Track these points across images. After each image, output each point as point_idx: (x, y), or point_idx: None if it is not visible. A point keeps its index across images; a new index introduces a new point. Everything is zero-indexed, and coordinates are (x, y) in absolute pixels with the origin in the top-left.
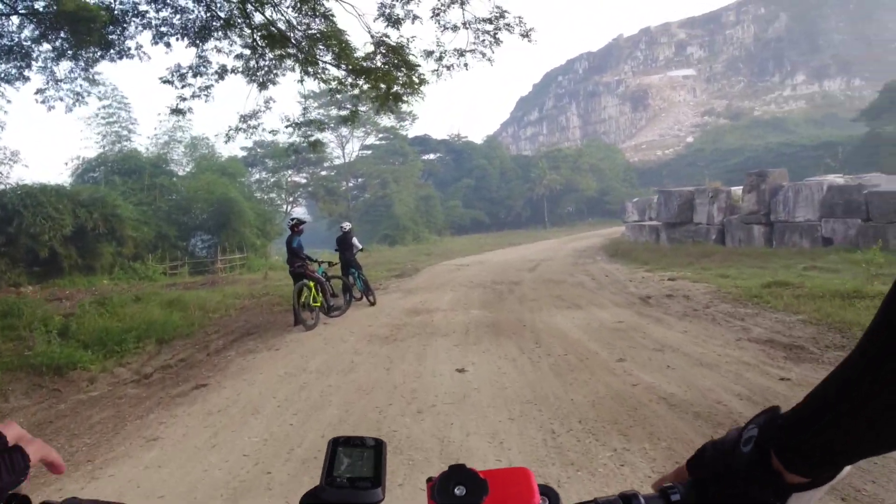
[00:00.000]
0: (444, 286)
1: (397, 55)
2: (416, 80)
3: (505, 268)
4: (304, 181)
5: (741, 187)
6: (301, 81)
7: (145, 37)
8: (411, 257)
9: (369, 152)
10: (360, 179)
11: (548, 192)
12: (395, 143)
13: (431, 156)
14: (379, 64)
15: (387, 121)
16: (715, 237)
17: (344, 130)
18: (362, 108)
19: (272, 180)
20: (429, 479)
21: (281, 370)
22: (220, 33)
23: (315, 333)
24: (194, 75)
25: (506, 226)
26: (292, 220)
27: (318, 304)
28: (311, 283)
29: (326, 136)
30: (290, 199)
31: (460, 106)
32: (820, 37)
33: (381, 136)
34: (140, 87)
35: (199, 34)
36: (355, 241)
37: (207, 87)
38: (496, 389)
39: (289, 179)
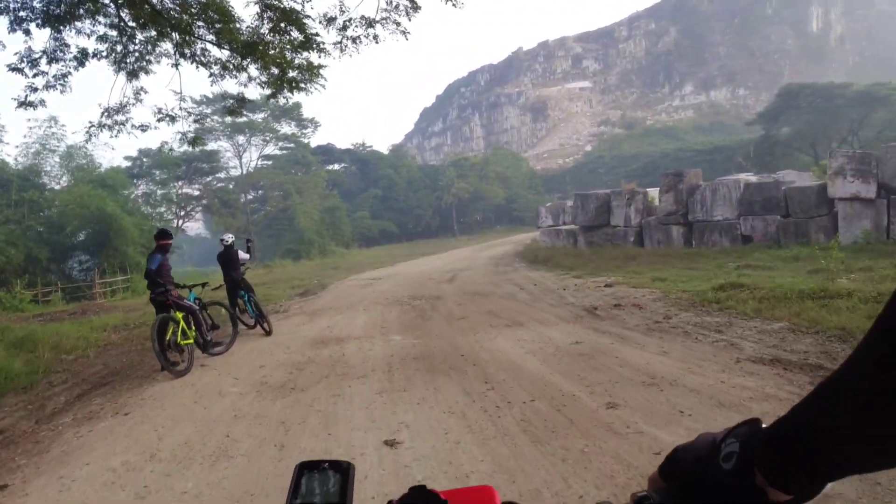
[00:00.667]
0: (356, 305)
1: (289, 20)
2: (315, 63)
3: (421, 280)
4: (197, 193)
5: (657, 189)
6: (176, 66)
7: (1, 23)
8: (317, 272)
9: (270, 163)
10: (260, 191)
11: (456, 200)
12: (297, 152)
13: (336, 166)
14: (268, 37)
15: (287, 128)
16: (633, 239)
17: (240, 138)
18: (258, 116)
19: (161, 193)
20: (389, 502)
21: (118, 457)
22: (85, 14)
23: (186, 383)
24: (49, 61)
25: (415, 236)
26: (158, 231)
27: (191, 341)
28: (179, 315)
29: (222, 145)
30: (182, 213)
31: (363, 116)
32: (706, 50)
33: (280, 144)
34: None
35: (62, 18)
36: (241, 254)
37: (64, 76)
38: (452, 480)
39: (179, 191)
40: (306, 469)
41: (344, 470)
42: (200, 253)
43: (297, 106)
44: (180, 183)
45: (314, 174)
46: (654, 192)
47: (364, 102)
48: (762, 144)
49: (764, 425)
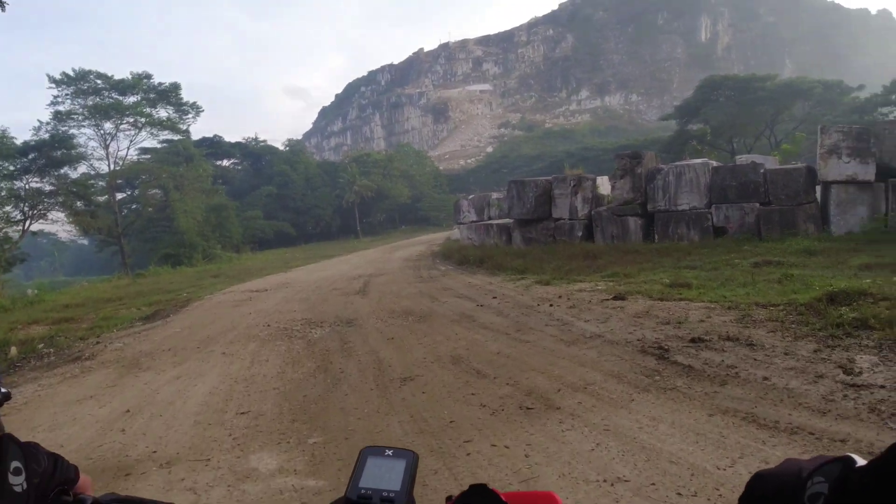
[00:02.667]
0: (214, 341)
1: None
2: None
3: (323, 292)
4: (50, 188)
5: (604, 178)
6: None
7: None
8: (193, 282)
9: (148, 156)
10: (136, 190)
11: (359, 199)
12: (177, 144)
13: (225, 162)
14: None
15: (163, 111)
16: (582, 234)
17: (107, 125)
18: (130, 99)
19: (3, 188)
20: (448, 498)
21: None
22: None
23: None
24: None
25: (315, 237)
26: None
27: None
28: None
29: (85, 132)
30: (33, 212)
31: (256, 112)
32: (601, 57)
33: (157, 134)
34: None
35: None
36: None
37: None
38: None
39: (27, 186)
40: (370, 454)
41: (408, 458)
42: (73, 261)
43: (176, 87)
44: (28, 176)
45: (197, 168)
46: (604, 181)
47: (258, 97)
48: (676, 140)
49: (859, 464)
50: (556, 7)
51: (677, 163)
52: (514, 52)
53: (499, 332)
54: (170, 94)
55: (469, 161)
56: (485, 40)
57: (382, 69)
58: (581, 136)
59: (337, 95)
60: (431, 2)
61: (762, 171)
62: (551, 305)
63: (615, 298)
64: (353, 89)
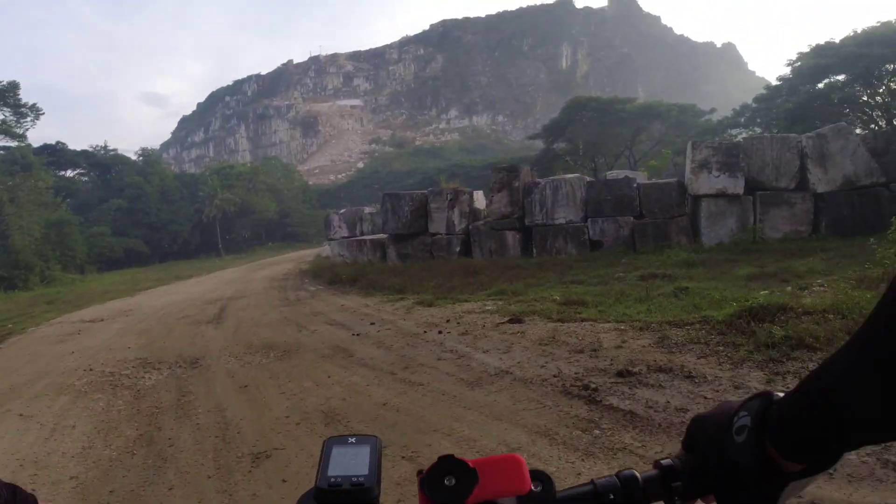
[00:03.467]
0: (21, 390)
1: None
2: None
3: (169, 321)
4: None
5: (481, 191)
6: None
7: None
8: (23, 309)
9: None
10: None
11: (220, 214)
12: (14, 152)
13: (69, 172)
14: None
15: None
16: (460, 249)
17: None
18: None
19: None
20: (419, 472)
21: None
22: None
23: None
24: None
25: (171, 256)
26: None
27: None
28: None
29: None
30: None
31: (109, 120)
32: (470, 78)
33: None
34: None
35: None
36: None
37: None
38: None
39: None
40: (335, 444)
41: (371, 443)
42: None
43: (14, 87)
44: None
45: (34, 178)
46: (477, 195)
47: (113, 104)
48: (543, 158)
49: (777, 397)
50: (426, 28)
51: (553, 177)
52: (386, 69)
53: (382, 372)
54: (6, 93)
55: (340, 176)
56: (356, 56)
57: (249, 79)
58: (450, 154)
59: (199, 104)
60: (300, 13)
61: (635, 185)
62: (440, 332)
63: (511, 321)
64: (216, 98)
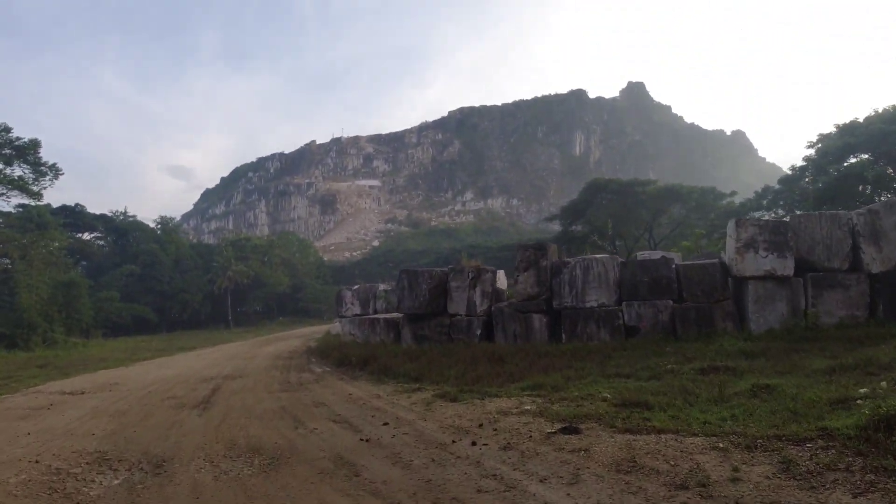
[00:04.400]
0: None
1: None
2: None
3: (151, 401)
4: None
5: (502, 271)
6: None
7: None
8: (11, 372)
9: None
10: None
11: (233, 285)
12: (31, 210)
13: (86, 235)
14: None
15: (18, 171)
16: (481, 332)
17: None
18: None
19: None
20: None
21: None
22: None
23: None
24: None
25: (180, 325)
26: None
27: None
28: None
29: None
30: None
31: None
32: (485, 162)
33: (4, 194)
34: None
35: None
36: None
37: None
38: None
39: None
40: None
41: None
42: None
43: (35, 144)
44: None
45: (48, 238)
46: (500, 274)
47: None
48: (560, 239)
49: None
50: (445, 114)
51: (584, 256)
52: (404, 152)
53: None
54: (27, 150)
55: (355, 254)
56: (376, 138)
57: (272, 156)
58: (465, 235)
59: (223, 178)
60: (325, 98)
61: (674, 265)
62: (474, 444)
63: (564, 431)
64: (240, 174)
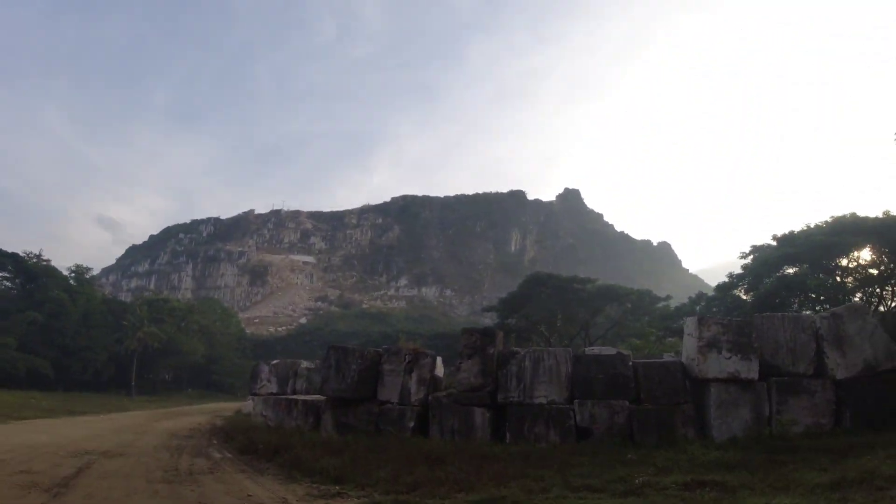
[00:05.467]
0: None
1: None
2: None
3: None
4: None
5: (440, 358)
6: None
7: None
8: None
9: None
10: None
11: (142, 348)
12: None
13: None
14: None
15: None
16: (414, 424)
17: None
18: None
19: None
20: None
21: None
22: None
23: None
24: None
25: (79, 386)
26: None
27: None
28: None
29: None
30: None
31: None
32: (423, 251)
33: None
34: None
35: None
36: None
37: None
38: None
39: None
40: None
41: None
42: None
43: None
44: None
45: None
46: (438, 361)
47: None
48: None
49: None
50: (388, 199)
51: (533, 347)
52: (343, 232)
53: None
54: None
55: (280, 329)
56: (317, 215)
57: (207, 220)
58: (396, 321)
59: (151, 236)
60: (268, 170)
61: (631, 363)
62: None
63: None
64: (170, 233)
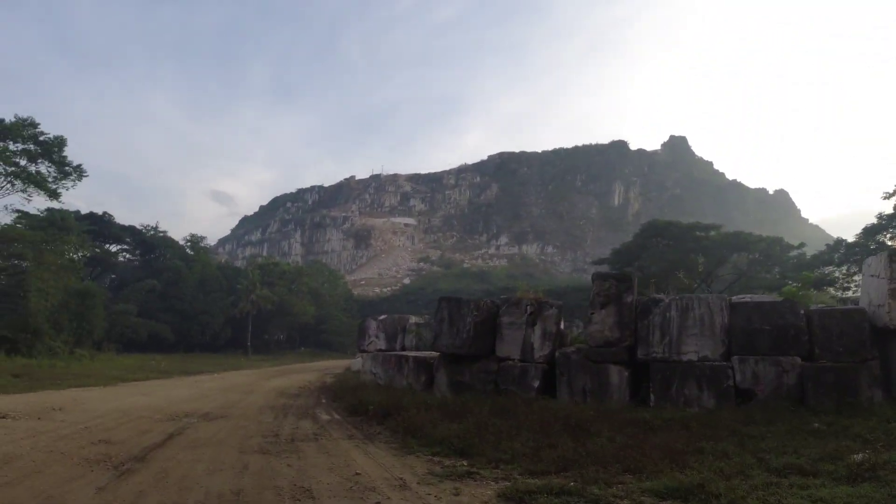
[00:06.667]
0: None
1: None
2: None
3: (55, 452)
4: None
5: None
6: None
7: None
8: None
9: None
10: None
11: (256, 311)
12: (53, 214)
13: (113, 247)
14: None
15: (43, 168)
16: (539, 384)
17: None
18: None
19: None
20: None
21: None
22: None
23: None
24: None
25: (198, 347)
26: None
27: None
28: None
29: None
30: None
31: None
32: (522, 209)
33: (26, 191)
34: None
35: None
36: None
37: None
38: None
39: None
40: None
41: None
42: None
43: (60, 142)
44: None
45: (66, 242)
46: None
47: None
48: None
49: None
50: (484, 158)
51: (682, 294)
52: (442, 193)
53: None
54: (52, 147)
55: (385, 290)
56: (415, 177)
57: (311, 189)
58: (497, 279)
59: (262, 206)
60: (367, 137)
61: (802, 311)
62: None
63: None
64: (278, 203)
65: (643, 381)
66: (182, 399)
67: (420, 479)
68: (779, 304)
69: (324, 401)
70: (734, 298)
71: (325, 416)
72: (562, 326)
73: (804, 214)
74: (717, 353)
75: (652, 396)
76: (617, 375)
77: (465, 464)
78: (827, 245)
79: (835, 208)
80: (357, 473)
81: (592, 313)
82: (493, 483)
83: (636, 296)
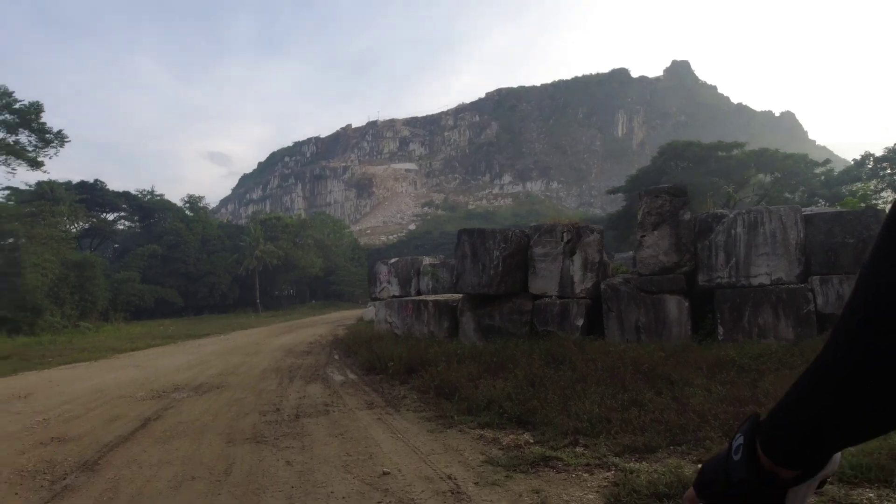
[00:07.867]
0: None
1: None
2: None
3: (43, 431)
4: None
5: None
6: None
7: None
8: None
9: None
10: None
11: (261, 267)
12: (42, 186)
13: (110, 215)
14: None
15: (23, 138)
16: (584, 322)
17: None
18: None
19: None
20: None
21: None
22: None
23: None
24: None
25: (207, 309)
26: None
27: None
28: None
29: None
30: None
31: (175, 175)
32: (524, 145)
33: (9, 164)
34: None
35: None
36: None
37: None
38: None
39: None
40: None
41: None
42: None
43: (36, 108)
44: None
45: (57, 213)
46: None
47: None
48: (623, 218)
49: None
50: (482, 96)
51: (749, 208)
52: (441, 135)
53: None
54: (28, 115)
55: (391, 237)
56: (412, 121)
57: (308, 141)
58: (503, 219)
59: (259, 163)
60: (359, 83)
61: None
62: None
63: None
64: (276, 158)
65: (707, 312)
66: (176, 368)
67: (478, 476)
68: (862, 214)
69: (336, 357)
70: (805, 210)
71: (338, 378)
72: (604, 255)
73: (811, 136)
74: (793, 273)
75: (720, 329)
76: (676, 307)
77: (531, 440)
78: (854, 160)
79: (844, 134)
80: (385, 473)
81: (643, 236)
82: (585, 475)
83: (693, 215)
